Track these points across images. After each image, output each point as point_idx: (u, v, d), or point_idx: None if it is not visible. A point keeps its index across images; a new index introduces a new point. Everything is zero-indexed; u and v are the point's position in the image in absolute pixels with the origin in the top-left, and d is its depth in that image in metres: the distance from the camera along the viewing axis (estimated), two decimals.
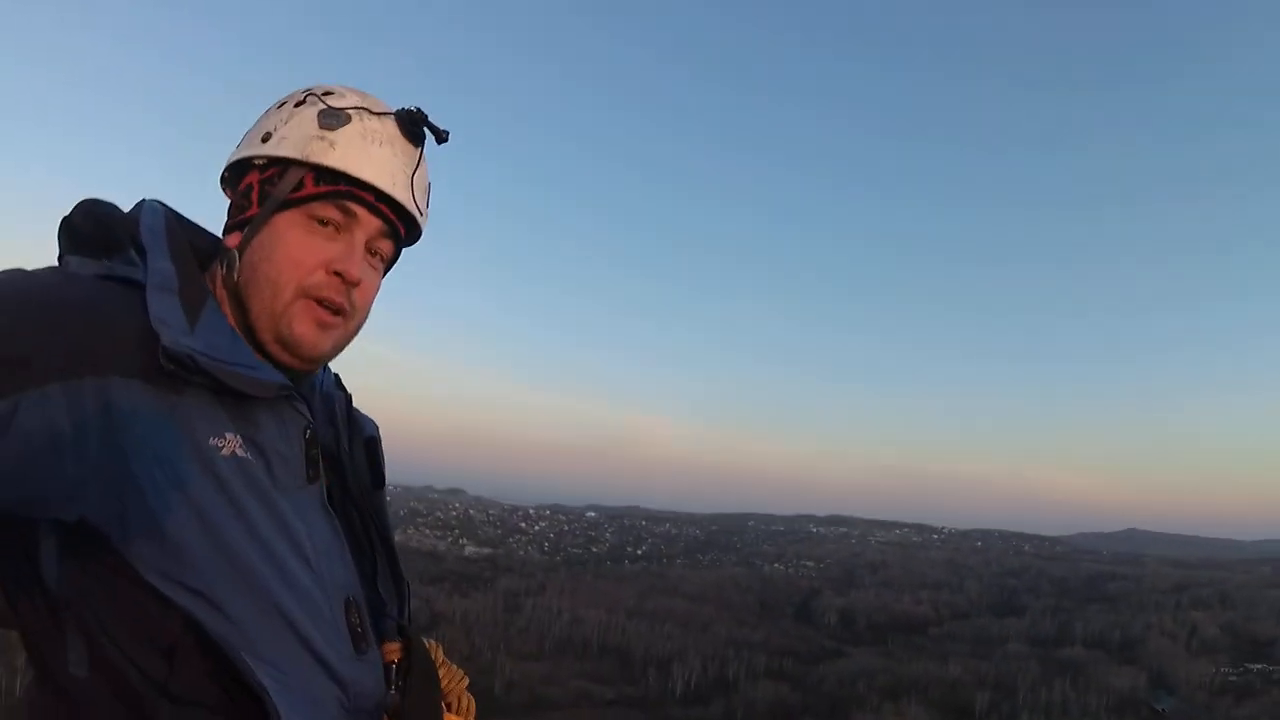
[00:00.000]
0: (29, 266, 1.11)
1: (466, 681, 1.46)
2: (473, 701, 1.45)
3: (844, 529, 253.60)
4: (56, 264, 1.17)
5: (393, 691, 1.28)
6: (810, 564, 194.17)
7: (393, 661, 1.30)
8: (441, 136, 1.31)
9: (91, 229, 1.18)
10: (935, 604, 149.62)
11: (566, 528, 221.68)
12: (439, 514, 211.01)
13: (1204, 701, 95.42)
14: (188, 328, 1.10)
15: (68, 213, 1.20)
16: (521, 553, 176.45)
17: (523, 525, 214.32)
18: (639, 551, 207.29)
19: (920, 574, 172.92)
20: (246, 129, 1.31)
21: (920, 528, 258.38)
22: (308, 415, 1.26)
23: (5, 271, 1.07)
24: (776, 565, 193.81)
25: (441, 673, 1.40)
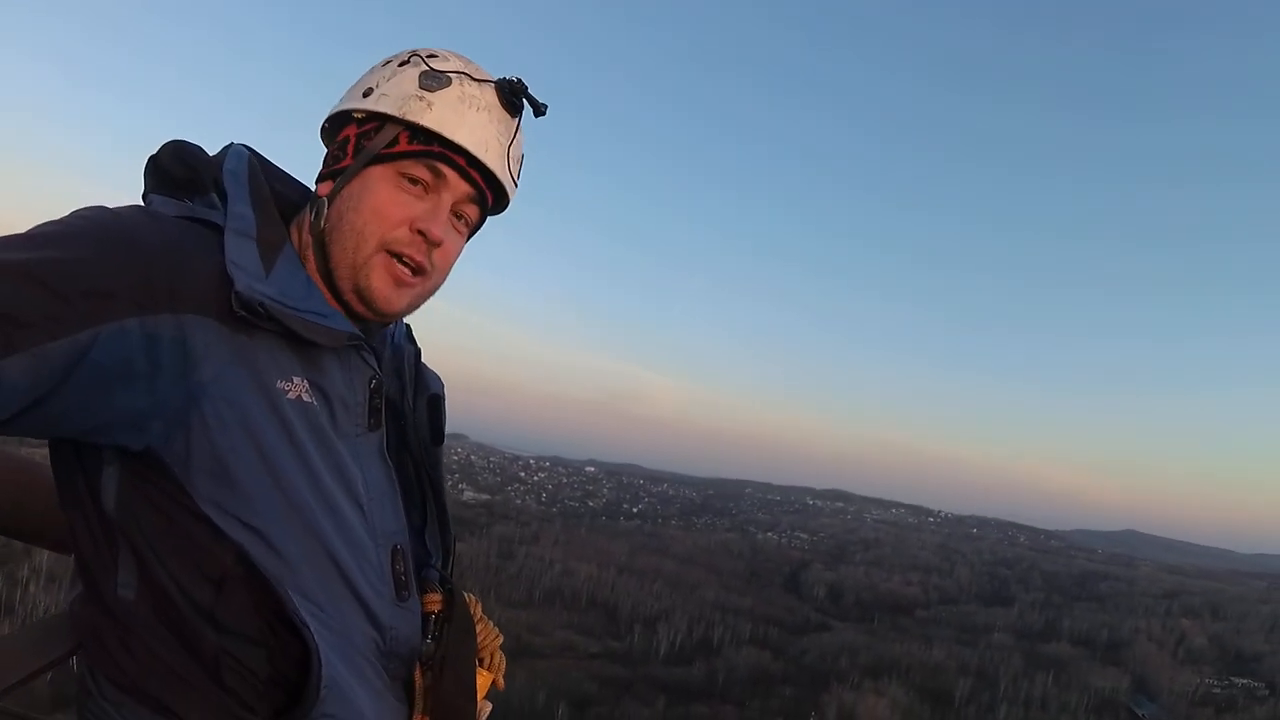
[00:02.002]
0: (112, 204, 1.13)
1: (501, 639, 1.48)
2: (504, 660, 1.48)
3: (841, 504, 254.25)
4: (141, 202, 1.20)
5: (429, 641, 1.31)
6: (804, 536, 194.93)
7: (433, 612, 1.33)
8: (540, 109, 1.32)
9: (177, 170, 1.22)
10: (925, 586, 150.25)
11: (565, 480, 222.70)
12: None
13: (1185, 711, 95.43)
14: (263, 273, 1.13)
15: (155, 152, 1.23)
16: (519, 501, 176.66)
17: (522, 475, 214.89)
18: (635, 509, 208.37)
19: (912, 555, 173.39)
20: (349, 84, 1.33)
21: (917, 509, 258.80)
22: (374, 366, 1.28)
23: (91, 208, 1.09)
24: (770, 534, 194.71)
25: (479, 628, 1.42)
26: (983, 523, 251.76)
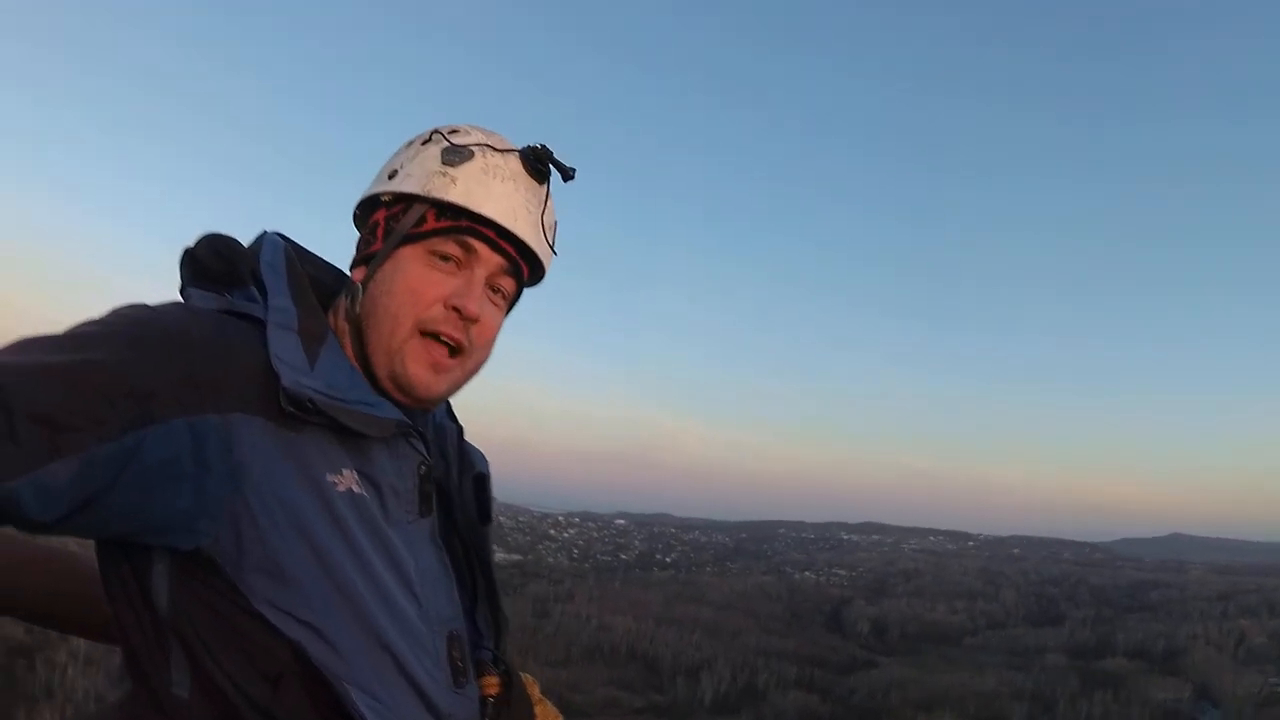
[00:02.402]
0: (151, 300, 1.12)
1: None
2: None
3: (876, 536, 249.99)
4: (179, 297, 1.19)
5: None
6: (841, 572, 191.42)
7: (491, 695, 1.31)
8: (567, 174, 1.30)
9: (214, 263, 1.19)
10: (970, 613, 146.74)
11: (596, 534, 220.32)
12: None
13: (1250, 715, 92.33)
14: (307, 366, 1.12)
15: (191, 245, 1.21)
16: (550, 559, 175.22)
17: (552, 532, 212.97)
18: (668, 559, 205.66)
19: (955, 582, 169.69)
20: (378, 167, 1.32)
21: (955, 534, 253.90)
22: (423, 452, 1.27)
23: (130, 306, 1.09)
24: (807, 573, 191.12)
25: (537, 710, 1.40)
26: (1024, 542, 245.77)
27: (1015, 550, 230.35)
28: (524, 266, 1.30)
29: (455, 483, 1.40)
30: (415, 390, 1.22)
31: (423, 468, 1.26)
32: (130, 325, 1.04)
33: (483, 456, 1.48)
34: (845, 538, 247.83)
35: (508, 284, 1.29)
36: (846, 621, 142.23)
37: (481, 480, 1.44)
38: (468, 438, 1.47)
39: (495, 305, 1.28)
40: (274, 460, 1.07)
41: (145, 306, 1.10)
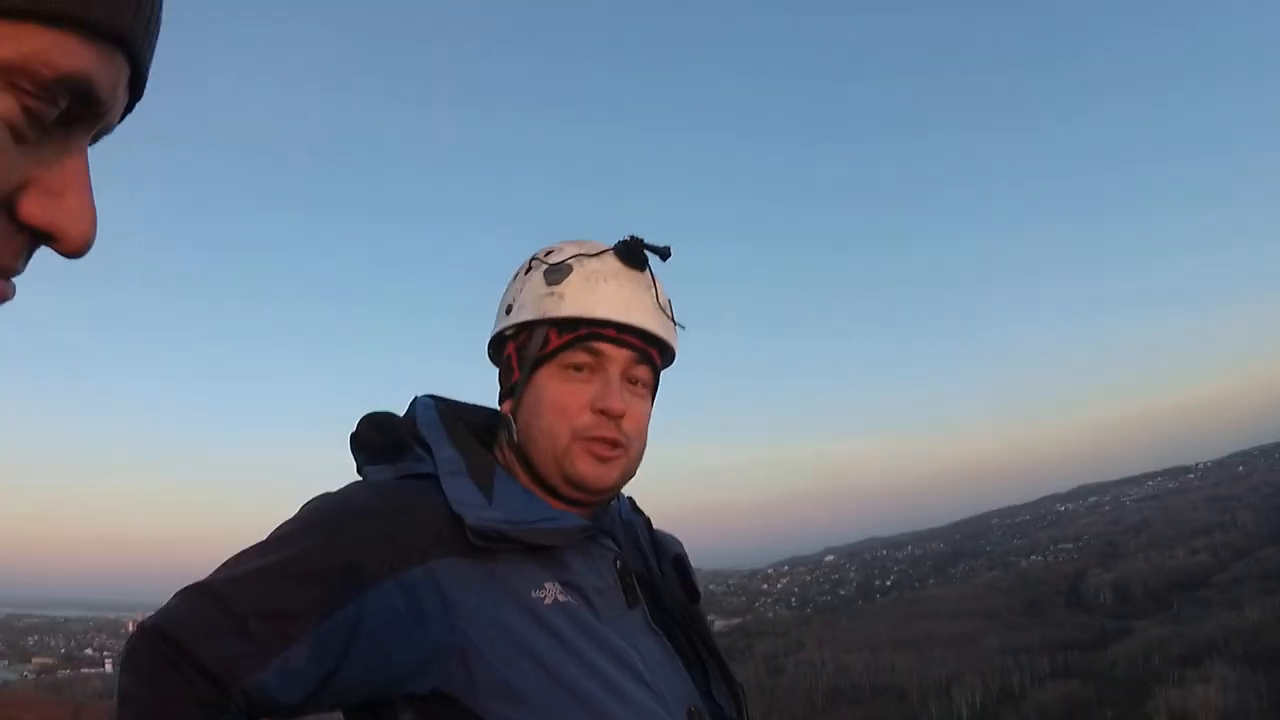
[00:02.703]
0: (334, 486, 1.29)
1: None
2: None
3: (1093, 498, 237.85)
4: (359, 477, 1.36)
5: None
6: (1067, 546, 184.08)
7: None
8: (664, 254, 1.39)
9: (378, 439, 1.35)
10: (1212, 549, 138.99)
11: (808, 578, 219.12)
12: None
13: None
14: (485, 501, 1.24)
15: (354, 429, 1.38)
16: (770, 614, 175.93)
17: (764, 586, 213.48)
18: (887, 582, 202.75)
19: (1186, 521, 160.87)
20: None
21: (1172, 471, 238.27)
22: (614, 547, 1.36)
23: (318, 498, 1.25)
24: (1033, 557, 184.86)
25: None
26: (1247, 457, 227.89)
27: (1240, 468, 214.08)
28: (652, 352, 1.38)
29: (656, 570, 1.46)
30: (589, 485, 1.32)
31: (618, 563, 1.35)
32: (322, 512, 1.21)
33: (675, 539, 1.56)
34: (1061, 509, 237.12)
35: (643, 373, 1.38)
36: (1086, 595, 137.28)
37: (680, 562, 1.52)
38: (657, 525, 1.55)
39: (638, 395, 1.37)
40: (481, 591, 1.19)
41: (331, 494, 1.26)
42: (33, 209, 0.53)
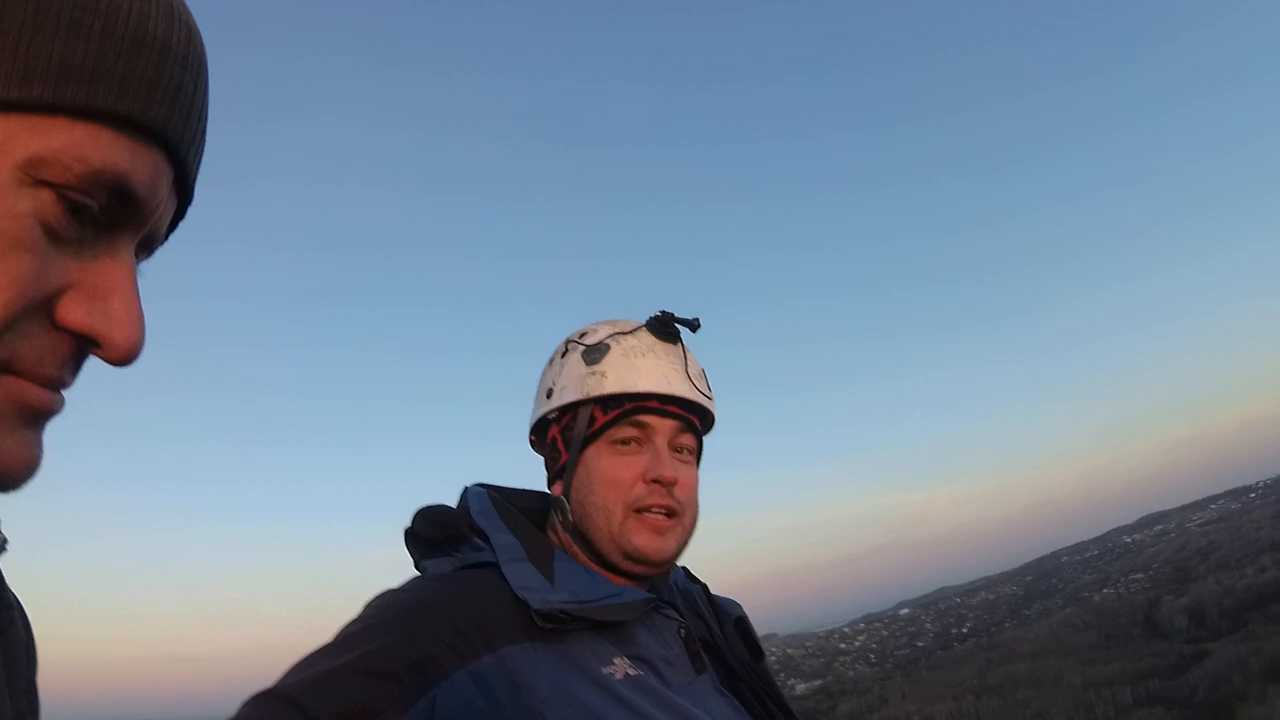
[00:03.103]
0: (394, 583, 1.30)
1: None
2: None
3: (1159, 527, 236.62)
4: (417, 573, 1.38)
5: None
6: (1139, 576, 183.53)
7: None
8: (693, 326, 1.45)
9: (434, 532, 1.38)
10: None
11: (885, 633, 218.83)
12: None
13: None
14: (548, 584, 1.27)
15: (409, 525, 1.41)
16: (850, 673, 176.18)
17: (842, 646, 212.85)
18: (964, 629, 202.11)
19: (1253, 539, 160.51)
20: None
21: (1233, 492, 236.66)
22: (678, 616, 1.41)
23: (380, 595, 1.27)
24: (1105, 590, 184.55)
25: None
26: None
27: None
28: (694, 419, 1.45)
29: (719, 634, 1.49)
30: (649, 558, 1.35)
31: (683, 631, 1.39)
32: (387, 610, 1.21)
33: (734, 602, 1.58)
34: (1128, 540, 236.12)
35: (688, 440, 1.44)
36: (1162, 622, 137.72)
37: (741, 623, 1.53)
38: (726, 593, 1.58)
39: (686, 463, 1.44)
40: (553, 672, 1.20)
41: (393, 590, 1.27)
42: (74, 312, 0.51)
